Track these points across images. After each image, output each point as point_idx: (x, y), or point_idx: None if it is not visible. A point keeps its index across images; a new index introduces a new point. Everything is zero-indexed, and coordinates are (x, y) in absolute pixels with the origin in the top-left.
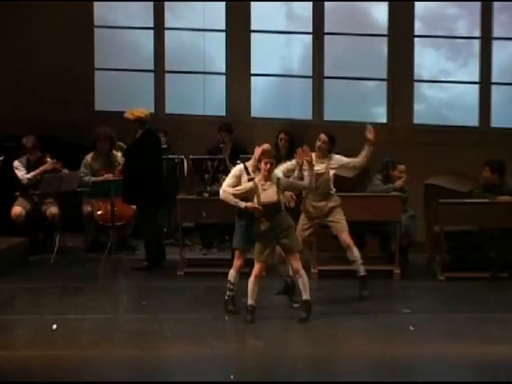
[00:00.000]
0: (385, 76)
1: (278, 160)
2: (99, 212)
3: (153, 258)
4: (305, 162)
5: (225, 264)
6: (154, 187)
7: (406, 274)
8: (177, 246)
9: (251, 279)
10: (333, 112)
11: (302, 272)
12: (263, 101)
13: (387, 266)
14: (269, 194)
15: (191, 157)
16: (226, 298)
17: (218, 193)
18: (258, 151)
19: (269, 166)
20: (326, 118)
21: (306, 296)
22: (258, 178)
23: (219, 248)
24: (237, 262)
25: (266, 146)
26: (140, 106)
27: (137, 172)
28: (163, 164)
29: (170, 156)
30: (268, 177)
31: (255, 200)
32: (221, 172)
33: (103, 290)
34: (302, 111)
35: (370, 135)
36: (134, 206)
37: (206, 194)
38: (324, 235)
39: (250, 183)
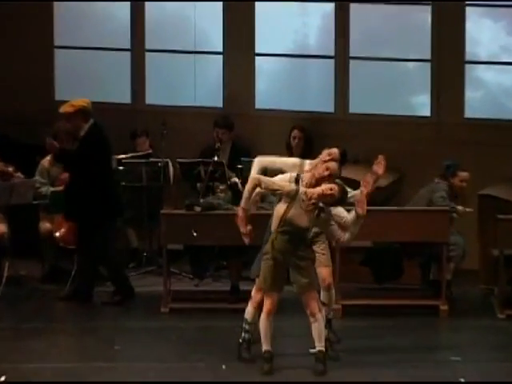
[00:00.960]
0: (428, 56)
1: None
2: (60, 231)
3: (125, 289)
4: (364, 191)
5: (221, 298)
6: (106, 199)
7: (454, 310)
8: (160, 275)
9: (263, 318)
10: (361, 102)
11: (319, 316)
12: (271, 88)
13: (431, 301)
14: (301, 216)
15: (179, 160)
16: (240, 341)
17: (213, 206)
18: (321, 167)
19: (329, 192)
20: (351, 110)
21: (320, 346)
22: (303, 190)
23: (215, 277)
24: (256, 296)
25: (332, 164)
26: (114, 94)
27: (85, 179)
28: (112, 167)
29: (152, 160)
30: (315, 203)
31: (278, 212)
32: (217, 180)
33: (66, 331)
34: (322, 101)
35: (378, 169)
36: None
37: (198, 208)
38: (348, 261)
39: (293, 186)
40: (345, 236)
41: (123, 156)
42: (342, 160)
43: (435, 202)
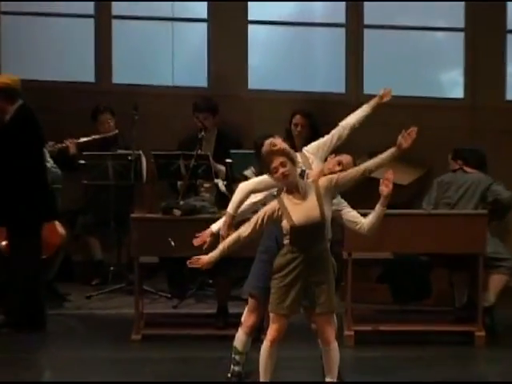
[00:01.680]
0: (461, 24)
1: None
2: (3, 243)
3: (20, 308)
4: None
5: (206, 323)
6: (36, 199)
7: (493, 337)
8: (131, 295)
9: (265, 347)
10: (377, 82)
11: (335, 345)
12: (268, 64)
13: (464, 326)
14: (305, 208)
15: (154, 152)
16: (229, 375)
17: (195, 209)
18: (332, 162)
19: (282, 169)
20: (366, 91)
21: (331, 378)
22: (283, 193)
23: (198, 297)
24: (249, 319)
25: (346, 157)
26: (74, 71)
27: (10, 175)
28: (44, 158)
29: (121, 152)
30: (290, 183)
31: (284, 224)
32: (201, 176)
33: (13, 363)
34: (330, 80)
35: (385, 188)
36: (63, 231)
37: (178, 212)
38: (362, 276)
39: (273, 203)
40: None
41: (85, 139)
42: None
43: (501, 195)
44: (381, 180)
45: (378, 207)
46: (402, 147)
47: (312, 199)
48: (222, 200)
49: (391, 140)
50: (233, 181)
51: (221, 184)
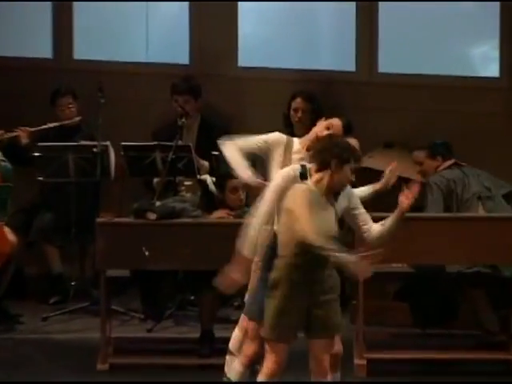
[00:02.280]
0: None
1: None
2: None
3: None
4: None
5: (187, 349)
6: None
7: None
8: (96, 315)
9: (263, 381)
10: (394, 58)
11: (335, 376)
12: (262, 37)
13: (498, 354)
14: (323, 219)
15: (124, 143)
16: None
17: (174, 212)
18: (321, 125)
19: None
20: (381, 69)
21: None
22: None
23: (177, 319)
24: (249, 348)
25: (336, 122)
26: (28, 45)
27: None
28: None
29: (84, 142)
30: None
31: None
32: (181, 172)
33: None
34: (337, 56)
35: (405, 200)
36: (13, 238)
37: (153, 216)
38: (376, 293)
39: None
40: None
41: (40, 127)
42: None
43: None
44: (404, 190)
45: (392, 219)
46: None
47: (330, 209)
48: (210, 201)
49: (411, 128)
50: (221, 178)
51: (209, 180)
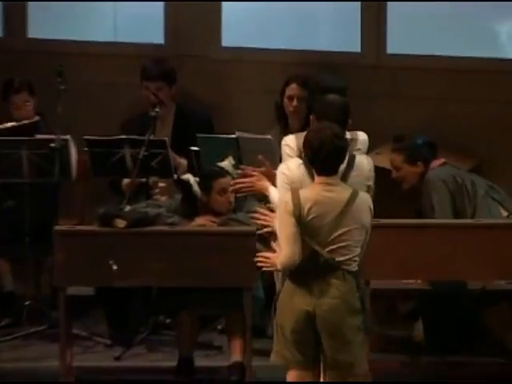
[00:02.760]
0: None
1: (285, 136)
2: None
3: None
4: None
5: (161, 380)
6: None
7: None
8: (55, 340)
9: None
10: (406, 37)
11: None
12: (250, 12)
13: None
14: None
15: (87, 137)
16: None
17: (147, 218)
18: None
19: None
20: (390, 50)
21: None
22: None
23: (150, 344)
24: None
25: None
26: None
27: None
28: None
29: (40, 136)
30: None
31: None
32: (154, 171)
33: None
34: (339, 35)
35: None
36: None
37: (122, 223)
38: (383, 315)
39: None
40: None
41: None
42: (345, 115)
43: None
44: None
45: None
46: None
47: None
48: (191, 206)
49: (426, 119)
50: (207, 177)
51: (193, 181)
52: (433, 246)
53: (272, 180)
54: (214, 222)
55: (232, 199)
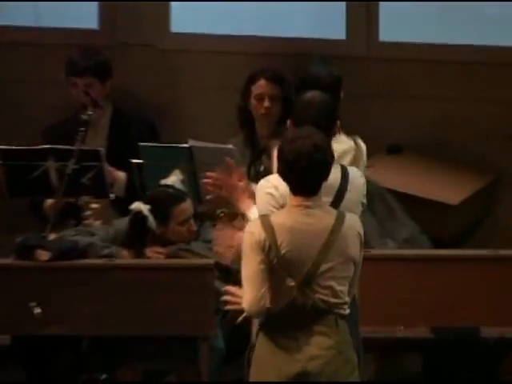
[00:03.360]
0: None
1: (251, 149)
2: None
3: None
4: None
5: None
6: None
7: None
8: None
9: None
10: (404, 22)
11: None
12: None
13: None
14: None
15: (0, 147)
16: None
17: (76, 249)
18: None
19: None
20: (384, 37)
21: None
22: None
23: None
24: None
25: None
26: None
27: None
28: None
29: None
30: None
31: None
32: (86, 189)
33: None
34: (318, 20)
35: None
36: None
37: (45, 255)
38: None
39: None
40: None
41: None
42: (329, 118)
43: None
44: None
45: None
46: None
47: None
48: (141, 238)
49: (428, 124)
50: (160, 204)
51: (147, 211)
52: (438, 284)
53: (241, 197)
54: (160, 253)
55: (195, 227)
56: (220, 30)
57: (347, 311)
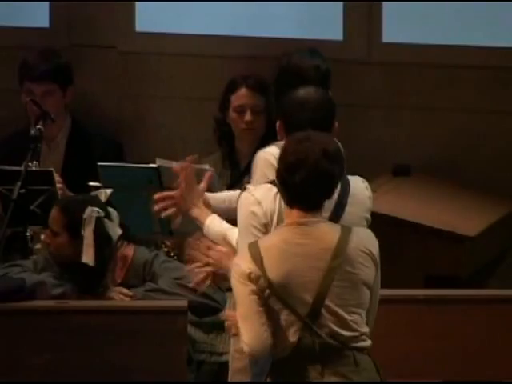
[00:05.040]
0: None
1: (231, 170)
2: None
3: None
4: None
5: None
6: None
7: None
8: None
9: None
10: (411, 20)
11: None
12: None
13: None
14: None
15: None
16: None
17: (23, 289)
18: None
19: None
20: (387, 38)
21: None
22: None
23: None
24: None
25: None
26: None
27: None
28: None
29: None
30: None
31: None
32: (36, 217)
33: None
34: (310, 17)
35: None
36: None
37: None
38: None
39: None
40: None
41: None
42: (327, 118)
43: None
44: None
45: None
46: None
47: None
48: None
49: (442, 142)
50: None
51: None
52: (454, 330)
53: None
54: (127, 295)
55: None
56: (193, 29)
57: (368, 342)
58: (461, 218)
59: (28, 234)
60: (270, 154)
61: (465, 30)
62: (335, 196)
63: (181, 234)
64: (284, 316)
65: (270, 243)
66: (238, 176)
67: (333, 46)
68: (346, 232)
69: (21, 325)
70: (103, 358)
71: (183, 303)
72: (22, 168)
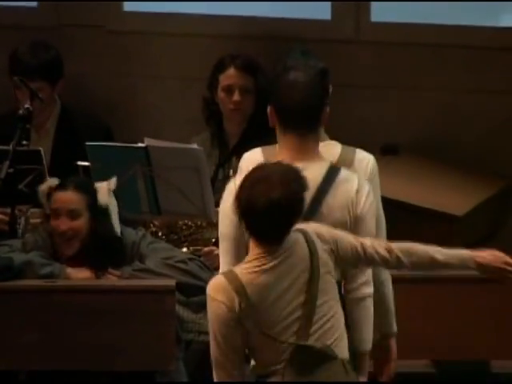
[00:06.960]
0: None
1: (219, 149)
2: None
3: None
4: None
5: None
6: None
7: None
8: None
9: None
10: (394, 4)
11: None
12: None
13: None
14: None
15: None
16: None
17: (12, 268)
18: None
19: None
20: (375, 17)
21: None
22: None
23: None
24: None
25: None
26: None
27: None
28: None
29: None
30: None
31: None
32: (24, 196)
33: None
34: None
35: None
36: None
37: None
38: None
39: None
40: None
41: None
42: (318, 103)
43: None
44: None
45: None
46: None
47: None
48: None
49: (430, 121)
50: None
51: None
52: (442, 311)
53: None
54: (114, 274)
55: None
56: (182, 8)
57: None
58: (449, 197)
59: (16, 213)
60: (251, 161)
61: (453, 10)
62: (317, 181)
63: (169, 214)
64: (272, 348)
65: (251, 275)
66: (226, 155)
67: (321, 25)
68: (311, 242)
69: (8, 304)
70: (91, 338)
71: (171, 282)
72: (10, 147)
